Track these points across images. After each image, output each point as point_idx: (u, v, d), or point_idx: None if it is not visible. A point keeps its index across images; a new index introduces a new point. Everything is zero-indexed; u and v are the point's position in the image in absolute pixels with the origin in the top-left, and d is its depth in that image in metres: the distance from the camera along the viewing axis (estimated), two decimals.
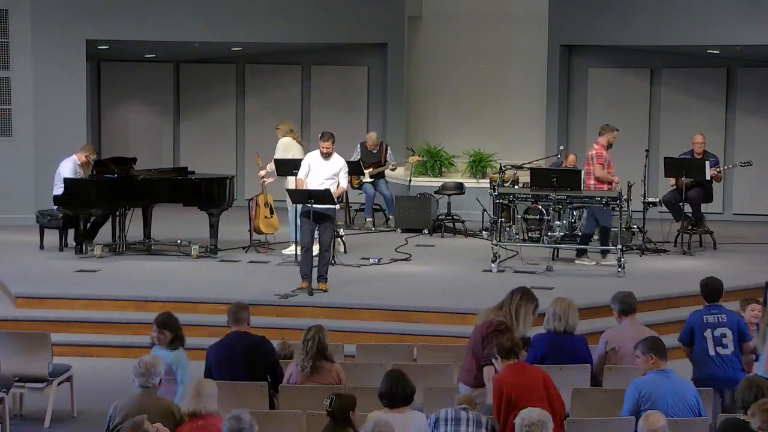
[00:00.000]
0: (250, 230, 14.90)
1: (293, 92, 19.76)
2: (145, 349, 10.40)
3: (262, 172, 15.02)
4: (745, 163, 15.64)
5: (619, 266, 13.34)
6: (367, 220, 17.17)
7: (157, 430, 6.73)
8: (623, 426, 7.62)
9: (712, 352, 8.89)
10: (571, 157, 15.79)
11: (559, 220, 13.88)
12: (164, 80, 20.08)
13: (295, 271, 12.64)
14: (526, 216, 14.36)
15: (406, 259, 14.56)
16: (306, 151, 13.97)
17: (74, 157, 14.89)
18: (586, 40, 18.50)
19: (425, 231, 16.60)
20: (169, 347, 8.33)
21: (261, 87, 19.87)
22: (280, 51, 19.55)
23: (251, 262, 14.25)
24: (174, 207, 14.89)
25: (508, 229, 14.49)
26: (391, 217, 17.18)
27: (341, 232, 15.04)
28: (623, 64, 18.76)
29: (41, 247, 14.92)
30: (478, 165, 19.02)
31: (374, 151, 17.16)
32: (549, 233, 13.76)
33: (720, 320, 8.92)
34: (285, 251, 14.45)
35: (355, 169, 16.55)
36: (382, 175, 17.28)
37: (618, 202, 13.60)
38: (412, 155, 17.91)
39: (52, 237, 14.90)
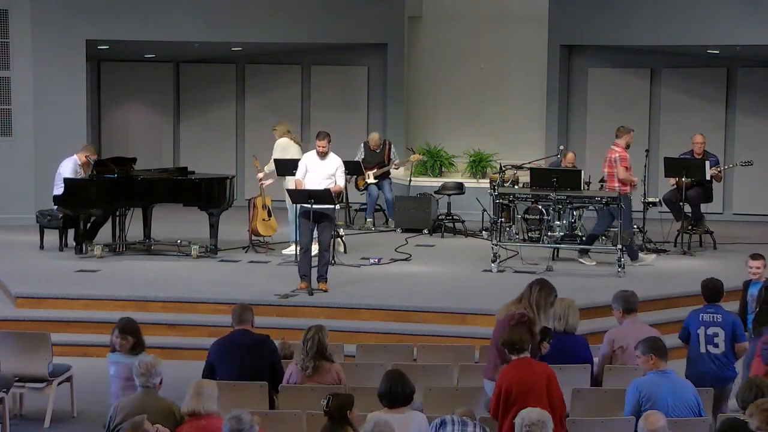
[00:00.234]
0: (249, 231, 14.91)
1: (293, 92, 19.76)
2: (146, 349, 10.45)
3: (260, 175, 15.03)
4: (746, 162, 15.65)
5: (619, 266, 13.35)
6: (368, 220, 17.16)
7: (157, 430, 6.73)
8: (623, 426, 7.63)
9: (702, 350, 9.00)
10: (570, 155, 15.78)
11: (559, 220, 13.88)
12: (164, 80, 20.08)
13: (296, 271, 12.64)
14: (526, 216, 14.36)
15: (406, 259, 14.56)
16: (304, 151, 13.98)
17: (75, 157, 14.90)
18: (586, 40, 18.50)
19: (425, 231, 16.60)
20: (131, 353, 8.20)
21: (261, 87, 19.87)
22: (280, 51, 19.55)
23: (251, 262, 14.25)
24: (174, 207, 14.89)
25: (508, 229, 14.49)
26: (390, 219, 17.18)
27: (341, 232, 15.04)
28: (623, 64, 18.76)
29: (41, 247, 14.92)
30: (478, 165, 19.02)
31: (377, 151, 17.15)
32: (549, 233, 13.76)
33: (714, 319, 9.00)
34: (285, 251, 14.45)
35: (355, 169, 16.58)
36: (387, 175, 17.26)
37: (618, 202, 13.61)
38: (413, 154, 17.90)
39: (52, 237, 14.90)
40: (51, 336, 9.85)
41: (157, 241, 14.88)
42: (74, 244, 14.54)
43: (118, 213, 14.76)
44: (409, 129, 19.52)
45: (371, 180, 17.05)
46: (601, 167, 14.30)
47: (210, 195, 14.50)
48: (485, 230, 16.18)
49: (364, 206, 17.40)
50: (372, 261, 14.23)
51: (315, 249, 12.72)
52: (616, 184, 13.95)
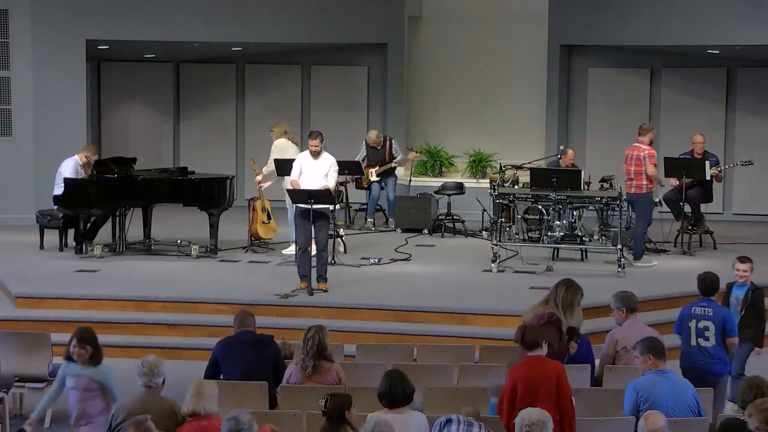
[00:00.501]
0: (248, 232, 14.91)
1: (293, 92, 19.76)
2: (146, 349, 10.51)
3: (259, 177, 15.04)
4: (746, 162, 15.65)
5: (619, 266, 13.35)
6: (368, 220, 17.15)
7: None
8: (623, 426, 7.63)
9: (693, 343, 9.10)
10: (570, 152, 15.77)
11: (559, 220, 13.87)
12: (164, 80, 20.07)
13: (296, 271, 12.64)
14: (526, 216, 14.36)
15: (406, 259, 14.56)
16: (302, 151, 13.97)
17: (76, 157, 14.90)
18: (586, 40, 18.50)
19: (425, 231, 16.59)
20: (90, 363, 7.99)
21: (261, 87, 19.87)
22: (280, 51, 19.55)
23: (251, 262, 14.26)
24: (174, 207, 14.89)
25: (508, 229, 14.48)
26: (390, 219, 17.17)
27: (341, 232, 15.04)
28: (623, 64, 18.75)
29: (41, 247, 14.92)
30: (478, 165, 19.02)
31: (378, 148, 17.12)
32: (549, 233, 13.76)
33: (706, 313, 9.10)
34: (285, 251, 14.45)
35: (355, 169, 16.58)
36: (391, 173, 17.22)
37: (618, 202, 13.62)
38: (412, 152, 17.89)
39: (52, 237, 14.90)
40: (51, 336, 9.85)
41: (157, 241, 14.88)
42: (74, 244, 14.54)
43: (118, 213, 14.76)
44: (409, 129, 19.52)
45: (374, 178, 17.04)
46: (625, 165, 14.21)
47: (210, 195, 14.51)
48: (485, 230, 16.18)
49: (364, 206, 17.39)
50: (372, 261, 14.23)
51: (314, 249, 12.72)
52: (644, 182, 13.97)
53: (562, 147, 16.05)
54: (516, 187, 15.40)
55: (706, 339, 9.04)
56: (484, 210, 16.41)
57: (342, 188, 16.39)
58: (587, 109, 18.99)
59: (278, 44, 18.87)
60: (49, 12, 17.15)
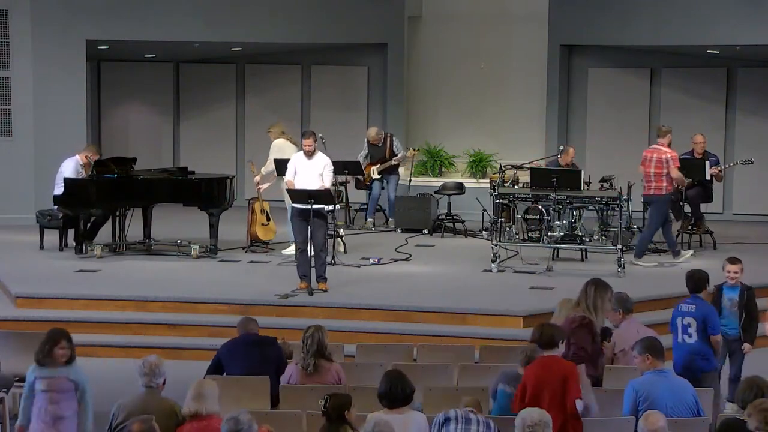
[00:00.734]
0: (247, 234, 14.91)
1: (293, 92, 19.75)
2: (146, 349, 10.52)
3: (257, 178, 15.04)
4: (746, 161, 15.65)
5: (619, 266, 13.35)
6: (368, 220, 17.14)
7: None
8: (623, 426, 7.63)
9: (679, 339, 9.18)
10: (571, 150, 15.79)
11: (559, 220, 13.88)
12: (164, 80, 20.07)
13: (295, 271, 12.64)
14: (526, 216, 14.37)
15: (406, 259, 14.56)
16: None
17: (77, 157, 14.91)
18: (586, 40, 18.49)
19: (425, 231, 16.59)
20: (67, 363, 7.92)
21: (261, 87, 19.86)
22: (280, 51, 19.55)
23: (251, 262, 14.26)
24: (174, 207, 14.89)
25: (508, 229, 14.49)
26: (391, 219, 17.17)
27: (341, 232, 15.03)
28: (623, 64, 18.75)
29: (41, 247, 14.92)
30: (478, 165, 19.02)
31: (379, 145, 17.09)
32: (549, 233, 13.76)
33: (689, 309, 9.18)
34: (285, 251, 14.45)
35: (355, 169, 16.58)
36: (393, 171, 17.19)
37: (618, 202, 13.63)
38: (410, 150, 17.88)
39: (52, 237, 14.90)
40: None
41: (157, 241, 14.88)
42: (74, 244, 14.54)
43: (118, 213, 14.76)
44: (409, 129, 19.51)
45: (375, 175, 17.03)
46: (644, 167, 14.21)
47: (210, 195, 14.51)
48: (485, 230, 16.17)
49: (364, 206, 17.39)
50: (372, 261, 14.23)
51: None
52: (664, 183, 13.99)
53: (562, 147, 16.05)
54: (516, 187, 15.40)
55: (690, 336, 9.13)
56: (484, 210, 16.41)
57: (342, 188, 16.39)
58: (587, 109, 18.99)
59: (278, 44, 18.87)
60: (49, 12, 17.15)
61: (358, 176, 17.04)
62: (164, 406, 7.25)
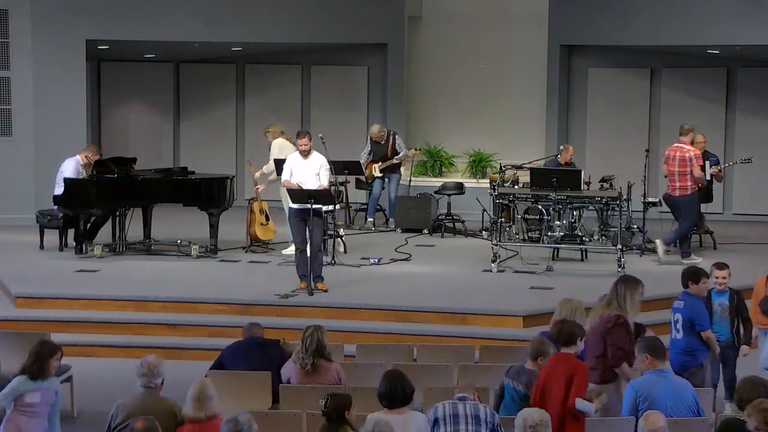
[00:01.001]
0: (247, 234, 14.91)
1: (293, 92, 19.75)
2: (146, 349, 10.53)
3: (257, 175, 15.03)
4: (745, 159, 15.65)
5: (619, 266, 13.35)
6: (368, 220, 17.13)
7: None
8: (623, 426, 7.63)
9: (672, 336, 9.25)
10: (571, 148, 15.82)
11: (559, 220, 13.88)
12: (164, 80, 20.07)
13: (295, 271, 12.64)
14: (526, 216, 14.38)
15: (406, 259, 14.56)
16: None
17: (78, 157, 14.92)
18: (586, 40, 18.50)
19: (425, 231, 16.59)
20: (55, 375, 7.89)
21: (261, 87, 19.86)
22: (280, 51, 19.55)
23: (251, 262, 14.26)
24: (174, 207, 14.89)
25: (508, 229, 14.49)
26: (391, 219, 17.17)
27: (341, 232, 15.03)
28: (623, 64, 18.75)
29: (41, 247, 14.92)
30: (478, 165, 19.03)
31: (382, 143, 17.08)
32: (549, 233, 13.77)
33: (679, 306, 9.27)
34: (285, 251, 14.44)
35: (356, 169, 16.58)
36: (395, 169, 17.18)
37: (618, 202, 13.63)
38: (412, 149, 17.88)
39: (52, 237, 14.90)
40: (51, 336, 9.84)
41: (157, 241, 14.88)
42: (74, 244, 14.54)
43: (118, 213, 14.76)
44: (409, 129, 19.51)
45: (377, 173, 17.02)
46: (667, 166, 14.26)
47: (210, 195, 14.51)
48: (485, 230, 16.17)
49: (364, 206, 17.39)
50: (372, 261, 14.23)
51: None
52: (689, 183, 14.00)
53: (562, 147, 16.06)
54: (516, 187, 15.41)
55: (678, 332, 9.19)
56: (484, 210, 16.41)
57: (342, 188, 16.39)
58: (587, 109, 18.99)
59: (278, 44, 18.87)
60: (49, 12, 17.15)
61: (359, 176, 17.04)
62: (163, 406, 7.25)
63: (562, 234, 13.86)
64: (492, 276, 13.51)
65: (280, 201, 14.38)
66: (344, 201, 16.65)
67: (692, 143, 14.27)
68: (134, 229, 14.84)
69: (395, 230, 16.77)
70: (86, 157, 14.94)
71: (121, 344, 11.62)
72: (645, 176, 15.22)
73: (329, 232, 13.77)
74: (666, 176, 14.39)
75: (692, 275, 9.31)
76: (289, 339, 9.57)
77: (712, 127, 17.86)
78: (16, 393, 7.67)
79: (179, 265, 14.10)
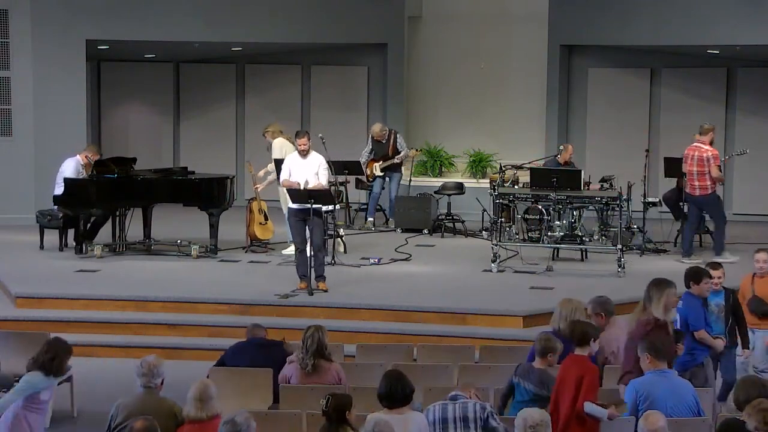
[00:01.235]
0: (246, 234, 14.91)
1: (293, 92, 19.76)
2: (146, 349, 10.54)
3: (262, 173, 15.03)
4: (741, 152, 15.68)
5: (619, 266, 13.35)
6: (368, 220, 17.12)
7: None
8: (623, 426, 7.62)
9: None
10: (570, 147, 15.83)
11: (559, 220, 13.88)
12: (164, 80, 20.08)
13: (295, 271, 12.63)
14: (526, 216, 14.38)
15: (406, 259, 14.56)
16: None
17: (78, 157, 14.93)
18: (586, 40, 18.50)
19: (425, 231, 16.59)
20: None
21: (261, 87, 19.87)
22: (280, 51, 19.55)
23: (251, 262, 14.26)
24: (174, 207, 14.89)
25: (508, 229, 14.49)
26: (390, 219, 17.16)
27: (341, 232, 15.03)
28: (623, 64, 18.76)
29: (41, 247, 14.92)
30: (478, 165, 19.03)
31: (383, 141, 17.08)
32: (549, 233, 13.77)
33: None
34: (285, 251, 14.44)
35: (356, 169, 16.57)
36: (396, 168, 17.17)
37: (618, 202, 13.63)
38: (413, 149, 17.87)
39: (52, 237, 14.90)
40: (51, 336, 9.83)
41: (157, 241, 14.88)
42: (74, 244, 14.54)
43: (118, 213, 14.76)
44: (409, 129, 19.51)
45: (378, 172, 17.01)
46: (687, 165, 14.26)
47: (210, 195, 14.51)
48: (485, 230, 16.17)
49: (364, 206, 17.38)
50: (372, 261, 14.23)
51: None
52: (709, 182, 14.02)
53: (562, 147, 16.06)
54: (516, 187, 15.41)
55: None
56: (484, 210, 16.41)
57: (342, 188, 16.39)
58: (587, 109, 18.99)
59: (278, 44, 18.87)
60: (49, 12, 17.15)
61: (359, 176, 17.04)
62: (163, 406, 7.25)
63: (562, 234, 13.86)
64: (492, 276, 13.51)
65: (279, 201, 14.37)
66: (344, 201, 16.65)
67: (711, 143, 14.28)
68: (134, 229, 14.84)
69: (395, 230, 16.77)
70: (86, 157, 14.95)
71: (121, 344, 11.62)
72: (645, 176, 15.23)
73: (329, 232, 13.76)
74: (685, 176, 14.39)
75: (693, 275, 9.28)
76: (289, 339, 9.57)
77: None
78: (34, 390, 7.76)
79: (179, 265, 14.10)
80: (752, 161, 16.05)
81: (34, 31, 17.10)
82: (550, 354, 8.03)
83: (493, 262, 13.65)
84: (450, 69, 19.91)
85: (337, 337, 10.07)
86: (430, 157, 19.20)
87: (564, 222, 13.91)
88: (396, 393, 7.17)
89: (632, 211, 15.05)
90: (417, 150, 18.16)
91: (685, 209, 14.98)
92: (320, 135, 14.66)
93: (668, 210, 15.42)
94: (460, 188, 17.18)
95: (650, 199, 15.24)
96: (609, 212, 14.32)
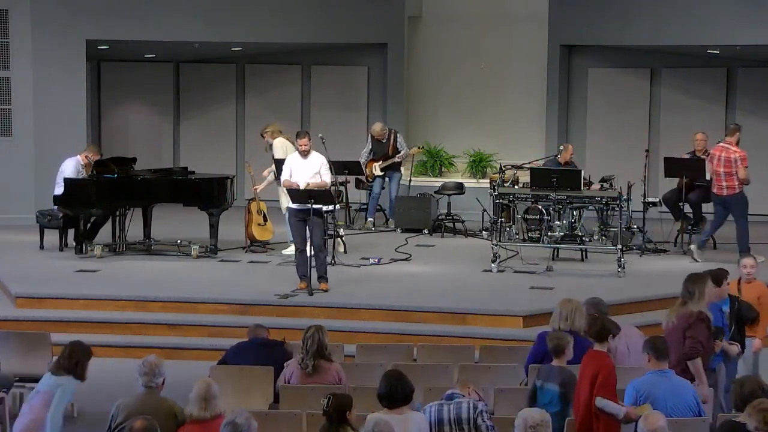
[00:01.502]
0: (245, 235, 14.91)
1: (293, 92, 19.76)
2: (146, 349, 10.54)
3: (265, 172, 15.02)
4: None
5: (619, 266, 13.35)
6: (368, 220, 17.11)
7: None
8: (623, 426, 7.62)
9: None
10: (570, 147, 15.84)
11: (559, 220, 13.88)
12: (164, 80, 20.08)
13: (295, 271, 12.63)
14: (526, 216, 14.38)
15: (406, 259, 14.56)
16: None
17: (78, 157, 14.93)
18: (586, 40, 18.50)
19: (425, 231, 16.58)
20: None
21: (261, 87, 19.87)
22: (280, 51, 19.55)
23: (251, 262, 14.26)
24: (174, 207, 14.89)
25: (508, 229, 14.50)
26: (391, 218, 17.16)
27: (341, 232, 15.03)
28: (623, 64, 18.76)
29: (41, 247, 14.92)
30: (478, 165, 19.03)
31: (383, 141, 17.07)
32: (549, 233, 13.77)
33: None
34: (285, 251, 14.44)
35: (356, 169, 16.57)
36: (396, 168, 17.17)
37: (618, 202, 13.63)
38: (414, 147, 17.86)
39: (52, 237, 14.90)
40: (51, 336, 9.85)
41: (157, 241, 14.88)
42: (74, 244, 14.54)
43: (118, 213, 14.76)
44: (409, 129, 19.51)
45: (378, 172, 17.01)
46: (713, 165, 14.26)
47: (210, 195, 14.51)
48: (485, 230, 16.17)
49: (364, 206, 17.38)
50: (372, 261, 14.23)
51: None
52: (736, 182, 14.04)
53: (562, 147, 16.07)
54: (516, 187, 15.41)
55: None
56: (484, 210, 16.41)
57: (342, 188, 16.38)
58: (587, 109, 19.00)
59: (278, 44, 18.87)
60: (49, 12, 17.15)
61: (359, 176, 17.03)
62: (163, 406, 7.25)
63: (562, 234, 13.86)
64: (492, 276, 13.51)
65: (278, 201, 14.38)
66: (344, 201, 16.64)
67: (737, 143, 14.28)
68: (134, 229, 14.84)
69: (395, 230, 16.77)
70: (86, 157, 14.95)
71: (121, 344, 11.61)
72: (645, 176, 15.22)
73: (329, 232, 13.76)
74: (711, 176, 14.37)
75: (714, 278, 9.25)
76: (289, 339, 9.58)
77: (712, 127, 17.81)
78: (70, 390, 7.96)
79: (179, 265, 14.10)
80: (752, 161, 15.94)
81: (34, 31, 17.11)
82: (565, 350, 8.04)
83: (493, 262, 13.65)
84: (450, 69, 19.91)
85: (337, 337, 10.07)
86: (430, 157, 19.20)
87: (564, 222, 13.91)
88: (396, 393, 7.17)
89: (632, 211, 15.05)
90: (419, 148, 18.14)
91: (689, 209, 15.00)
92: (320, 135, 14.66)
93: (668, 210, 15.41)
94: (460, 188, 17.18)
95: (650, 199, 15.24)
96: (609, 212, 14.33)
